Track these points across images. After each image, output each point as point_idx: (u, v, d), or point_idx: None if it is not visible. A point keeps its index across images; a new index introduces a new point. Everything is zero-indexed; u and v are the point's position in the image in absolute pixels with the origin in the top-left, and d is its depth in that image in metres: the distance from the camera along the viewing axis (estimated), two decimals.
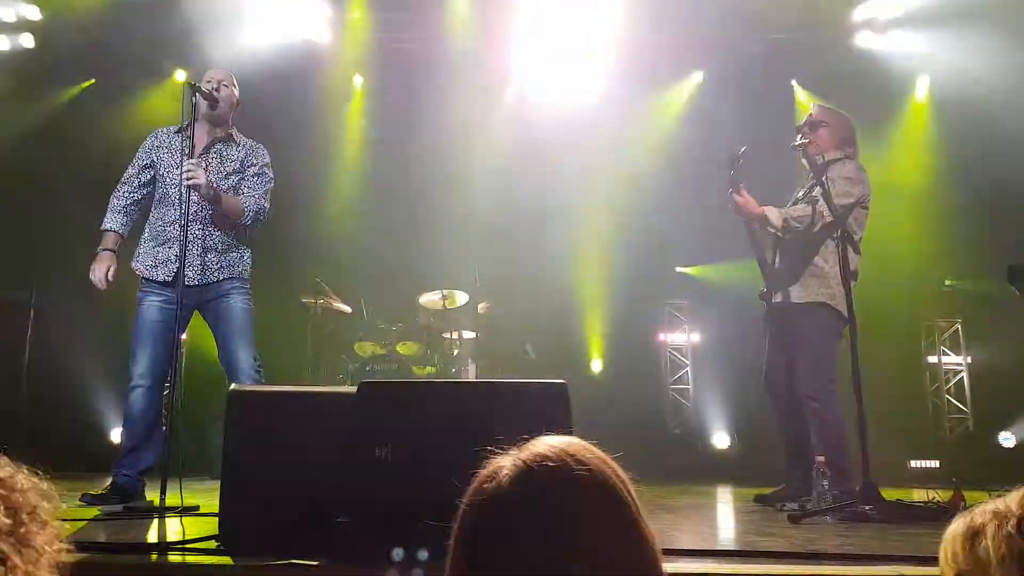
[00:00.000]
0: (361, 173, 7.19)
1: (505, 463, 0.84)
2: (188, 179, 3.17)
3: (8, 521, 0.78)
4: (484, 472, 0.86)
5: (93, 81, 7.03)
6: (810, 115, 3.85)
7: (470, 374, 6.29)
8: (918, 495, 3.78)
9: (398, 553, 1.61)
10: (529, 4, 6.54)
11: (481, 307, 6.33)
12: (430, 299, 6.28)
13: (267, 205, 3.49)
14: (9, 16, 6.73)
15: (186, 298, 3.19)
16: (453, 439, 1.79)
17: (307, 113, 6.74)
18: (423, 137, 6.81)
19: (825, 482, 3.13)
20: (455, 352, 6.20)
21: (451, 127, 6.69)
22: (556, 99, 6.82)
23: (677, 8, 6.17)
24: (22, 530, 0.78)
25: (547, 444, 0.85)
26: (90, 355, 6.01)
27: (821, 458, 3.21)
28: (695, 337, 7.23)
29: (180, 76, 6.85)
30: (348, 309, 6.45)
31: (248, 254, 3.52)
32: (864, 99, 6.08)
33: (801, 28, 6.31)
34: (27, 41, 6.87)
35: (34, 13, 6.79)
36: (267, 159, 3.56)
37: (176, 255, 3.23)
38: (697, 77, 7.13)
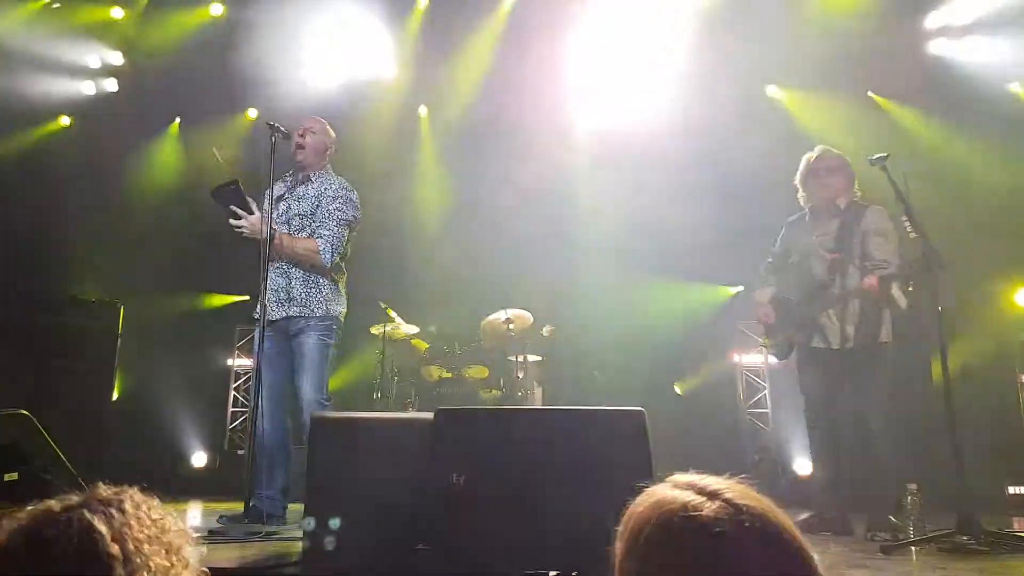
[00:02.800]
0: (426, 199, 7.36)
1: (694, 498, 0.78)
2: (238, 230, 3.42)
3: (165, 564, 0.83)
4: (663, 501, 0.79)
5: (179, 120, 7.47)
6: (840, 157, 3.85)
7: (536, 398, 6.30)
8: (1020, 525, 3.61)
9: None
10: (593, 22, 6.59)
11: (546, 329, 6.33)
12: (494, 321, 6.32)
13: (343, 235, 3.58)
14: (94, 62, 7.26)
15: (276, 333, 3.44)
16: (530, 466, 1.84)
17: (374, 143, 6.89)
18: (487, 162, 6.94)
19: (916, 511, 3.02)
20: (521, 375, 6.22)
21: (516, 150, 6.80)
22: (623, 117, 6.80)
23: (746, 21, 6.12)
24: (172, 573, 0.84)
25: (726, 483, 0.81)
26: (175, 382, 6.35)
27: (913, 486, 3.11)
28: (772, 358, 7.05)
29: (252, 114, 7.20)
30: (413, 331, 6.55)
31: (331, 290, 3.59)
32: (944, 106, 5.91)
33: (873, 37, 6.17)
34: (111, 85, 7.41)
35: (117, 58, 7.30)
36: (342, 192, 3.65)
37: (268, 293, 3.49)
38: (771, 90, 7.04)
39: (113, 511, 0.83)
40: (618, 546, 0.81)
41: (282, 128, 3.52)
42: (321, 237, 3.53)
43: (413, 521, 2.01)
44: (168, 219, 6.91)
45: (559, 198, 6.81)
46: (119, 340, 6.29)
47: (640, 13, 6.54)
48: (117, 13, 6.84)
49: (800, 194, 3.88)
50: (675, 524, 0.76)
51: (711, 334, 6.86)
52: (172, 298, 6.82)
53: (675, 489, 0.80)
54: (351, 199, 3.65)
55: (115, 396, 6.32)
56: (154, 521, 0.86)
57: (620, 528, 0.81)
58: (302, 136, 3.65)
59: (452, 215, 7.07)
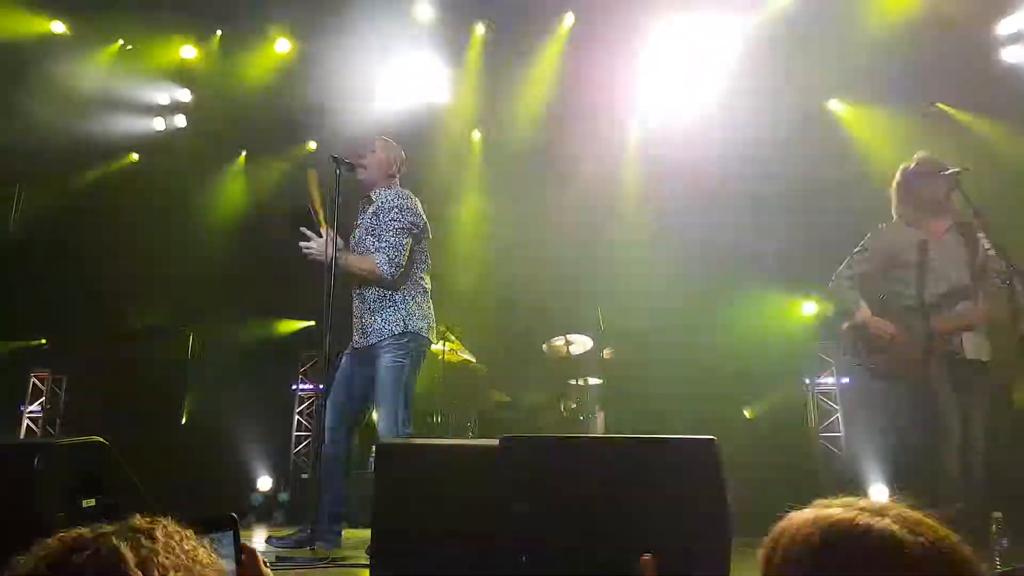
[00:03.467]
0: (481, 223, 7.43)
1: (860, 515, 0.77)
2: (305, 252, 3.47)
3: None
4: (824, 519, 0.78)
5: (244, 154, 7.78)
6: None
7: (599, 422, 6.24)
8: None
9: None
10: (651, 41, 6.58)
11: (606, 352, 6.29)
12: (554, 345, 6.31)
13: (402, 243, 3.54)
14: (164, 99, 7.62)
15: (354, 357, 3.51)
16: (598, 496, 1.82)
17: (430, 169, 7.00)
18: (542, 185, 6.98)
19: (1005, 540, 2.89)
20: (581, 400, 6.17)
21: (572, 172, 6.83)
22: (681, 136, 6.73)
23: (808, 36, 6.03)
24: None
25: (886, 503, 0.80)
26: (241, 407, 6.51)
27: (999, 514, 2.97)
28: (845, 380, 6.85)
29: (312, 146, 7.43)
30: (471, 357, 6.59)
31: (406, 308, 3.56)
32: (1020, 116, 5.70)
33: (941, 46, 5.99)
34: (180, 121, 7.75)
35: (185, 95, 7.64)
36: (397, 200, 3.63)
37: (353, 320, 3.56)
38: (834, 105, 6.91)
39: (142, 538, 0.84)
40: (771, 567, 0.79)
41: (346, 159, 3.59)
42: (379, 251, 3.53)
43: (479, 549, 2.01)
44: (235, 248, 7.15)
45: (617, 220, 6.79)
46: (188, 367, 6.53)
47: (698, 32, 6.50)
48: (188, 53, 7.14)
49: (895, 203, 3.71)
50: (844, 542, 0.74)
51: (780, 355, 6.69)
52: (238, 324, 7.03)
53: (834, 509, 0.79)
54: (406, 206, 3.61)
55: (183, 421, 6.54)
56: (185, 552, 0.86)
57: (767, 551, 0.80)
58: (363, 156, 3.69)
59: (509, 239, 7.12)
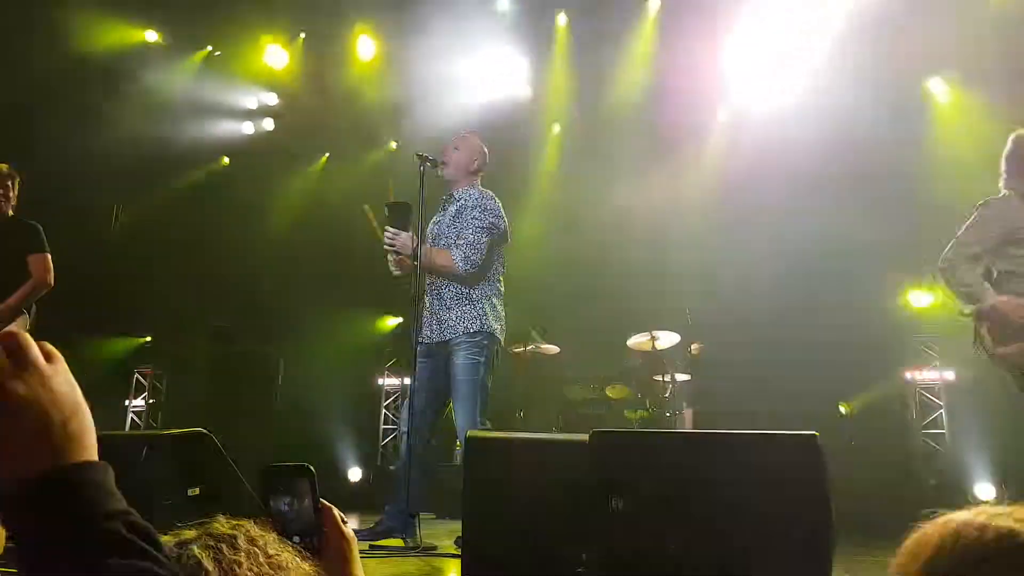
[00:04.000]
0: (564, 217, 7.40)
1: (1016, 524, 0.71)
2: (389, 246, 3.53)
3: None
4: (972, 525, 0.73)
5: (328, 155, 8.05)
6: None
7: (686, 419, 6.15)
8: None
9: None
10: (744, 15, 6.43)
11: (694, 347, 6.19)
12: (638, 341, 6.25)
13: (482, 242, 3.56)
14: (252, 103, 7.93)
15: (430, 356, 3.52)
16: (692, 493, 1.78)
17: (512, 162, 7.01)
18: (627, 177, 6.93)
19: None
20: (668, 395, 6.09)
21: (657, 163, 6.75)
22: (770, 120, 6.60)
23: (919, 9, 5.74)
24: None
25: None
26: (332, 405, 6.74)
27: None
28: (948, 375, 6.51)
29: (393, 145, 7.63)
30: (555, 351, 6.57)
31: (481, 307, 3.58)
32: None
33: None
34: (268, 125, 8.07)
35: (272, 99, 7.93)
36: (481, 200, 3.65)
37: (424, 315, 3.61)
38: (938, 84, 6.57)
39: (224, 547, 0.83)
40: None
41: (431, 157, 3.62)
42: (457, 246, 3.55)
43: (571, 543, 1.99)
44: (320, 247, 7.37)
45: (704, 210, 6.66)
46: (281, 362, 6.81)
47: (794, 12, 6.32)
48: (274, 56, 7.39)
49: (1005, 175, 3.42)
50: (1005, 554, 0.69)
51: (878, 348, 6.42)
52: (328, 320, 7.21)
53: (980, 516, 0.74)
54: (489, 206, 3.61)
55: (276, 413, 6.84)
56: (269, 557, 0.84)
57: (905, 561, 0.75)
58: (444, 155, 3.72)
59: (591, 233, 7.08)
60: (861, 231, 6.09)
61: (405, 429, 3.48)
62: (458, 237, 3.57)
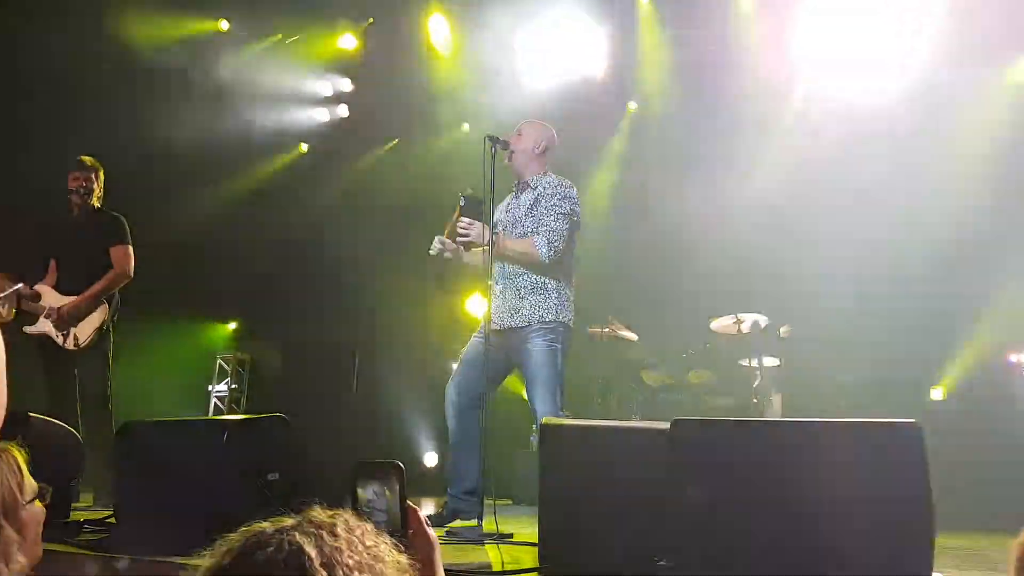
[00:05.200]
0: (643, 196, 7.32)
1: None
2: (463, 237, 3.52)
3: None
4: None
5: (397, 141, 8.14)
6: None
7: (775, 406, 5.98)
8: None
9: None
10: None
11: (783, 330, 6.00)
12: (723, 324, 6.13)
13: (562, 229, 3.58)
14: (327, 90, 8.09)
15: (497, 341, 3.50)
16: (780, 484, 1.72)
17: (588, 146, 7.05)
18: (705, 156, 6.79)
19: None
20: (755, 382, 5.94)
21: (738, 142, 6.62)
22: (855, 93, 6.36)
23: None
24: None
25: None
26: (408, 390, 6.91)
27: None
28: None
29: (466, 128, 7.62)
30: (635, 337, 6.51)
31: (557, 296, 3.60)
32: None
33: None
34: (343, 111, 8.23)
35: (347, 85, 8.10)
36: (559, 189, 3.66)
37: (496, 302, 3.63)
38: None
39: (325, 534, 0.83)
40: None
41: (500, 139, 3.60)
42: (538, 234, 3.56)
43: (650, 533, 1.97)
44: (395, 232, 7.49)
45: (788, 189, 6.44)
46: (358, 348, 6.98)
47: None
48: (346, 42, 7.53)
49: None
50: None
51: (977, 331, 6.07)
52: (404, 306, 7.34)
53: None
54: (568, 194, 3.65)
55: (355, 397, 7.04)
56: (367, 547, 0.85)
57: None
58: (508, 142, 3.71)
59: (671, 213, 6.94)
60: (962, 210, 5.79)
61: (450, 408, 3.57)
62: (538, 224, 3.60)
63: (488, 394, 3.55)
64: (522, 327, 3.56)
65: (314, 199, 7.78)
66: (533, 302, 3.57)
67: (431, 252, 3.67)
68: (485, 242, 3.47)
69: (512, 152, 3.71)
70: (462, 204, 3.53)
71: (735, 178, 6.66)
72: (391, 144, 8.23)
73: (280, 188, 7.80)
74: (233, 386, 8.02)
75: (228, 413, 7.55)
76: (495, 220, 3.67)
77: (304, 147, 8.24)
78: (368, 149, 8.22)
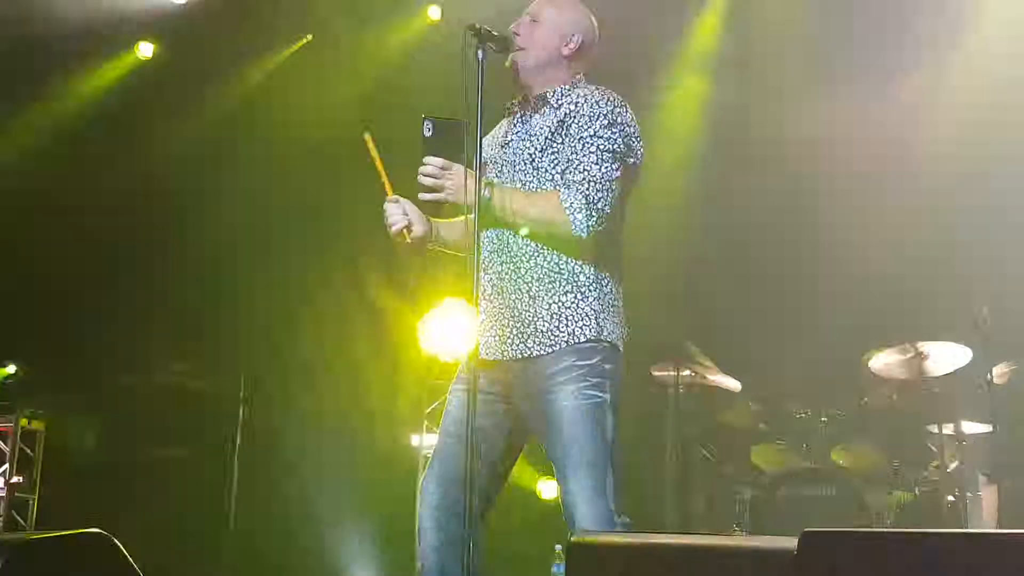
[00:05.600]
0: (739, 146, 7.55)
1: None
2: (433, 189, 3.47)
3: None
4: None
5: (311, 37, 8.38)
6: None
7: (983, 505, 6.06)
8: None
9: None
10: None
11: (998, 372, 6.01)
12: (889, 361, 6.27)
13: (611, 179, 3.53)
14: None
15: (494, 385, 3.51)
16: None
17: (642, 54, 7.31)
18: (848, 82, 7.08)
19: None
20: (951, 463, 6.00)
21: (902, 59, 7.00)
22: None
23: None
24: None
25: None
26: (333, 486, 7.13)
27: None
28: None
29: (435, 14, 7.93)
30: (735, 385, 6.71)
31: (597, 298, 3.57)
32: None
33: None
34: None
35: None
36: (604, 106, 3.59)
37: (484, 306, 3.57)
38: None
39: None
40: None
41: (494, 32, 3.55)
42: (568, 186, 3.50)
43: None
44: (309, 194, 7.75)
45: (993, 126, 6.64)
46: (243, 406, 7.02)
47: None
48: None
49: None
50: None
51: None
52: (327, 326, 7.59)
53: None
54: (620, 118, 3.60)
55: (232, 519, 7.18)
56: None
57: None
58: (517, 33, 3.70)
59: (788, 172, 7.13)
60: None
61: (427, 520, 3.54)
62: (567, 169, 3.55)
63: (486, 494, 3.51)
64: (538, 357, 3.50)
65: (164, 141, 7.96)
66: (554, 310, 3.51)
67: (392, 231, 3.63)
68: (469, 199, 3.41)
69: (519, 52, 3.69)
70: (428, 134, 3.52)
71: (899, 117, 6.91)
72: (301, 42, 8.42)
73: (101, 121, 7.98)
74: (15, 479, 7.92)
75: (3, 526, 7.56)
76: (485, 160, 3.62)
77: (146, 49, 8.38)
78: (260, 52, 8.45)
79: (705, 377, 6.49)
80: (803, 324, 6.91)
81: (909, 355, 6.09)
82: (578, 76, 3.78)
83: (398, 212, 3.56)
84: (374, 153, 3.65)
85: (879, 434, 6.39)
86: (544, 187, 3.57)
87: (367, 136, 3.69)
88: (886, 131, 6.97)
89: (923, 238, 6.72)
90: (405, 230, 3.55)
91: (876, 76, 7.03)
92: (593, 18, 3.85)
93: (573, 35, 3.75)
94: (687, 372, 6.43)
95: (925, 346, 6.06)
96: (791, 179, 7.21)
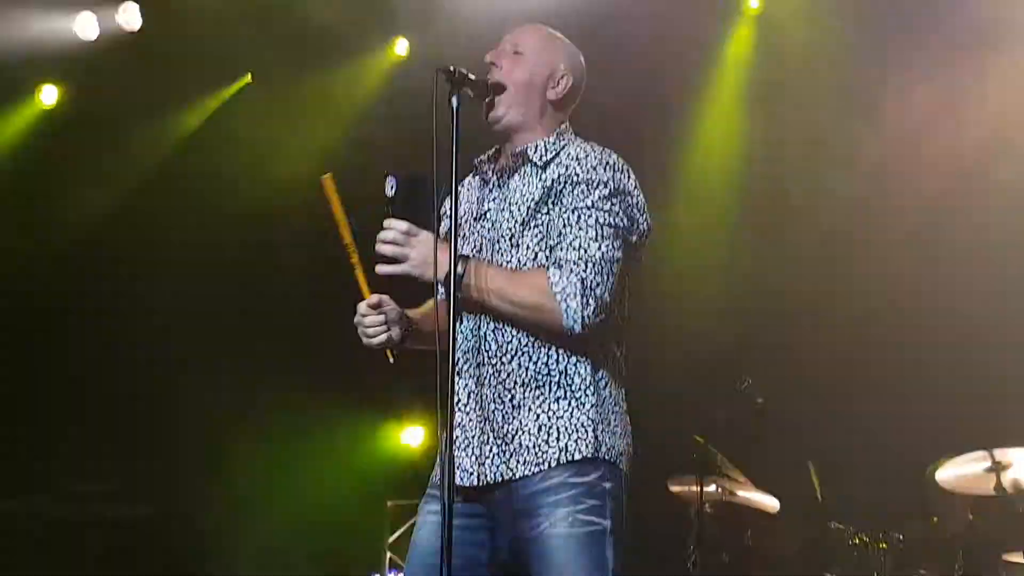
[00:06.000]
0: (769, 195, 7.82)
1: None
2: (397, 261, 3.32)
3: None
4: None
5: (250, 76, 8.64)
6: None
7: None
8: None
9: None
10: None
11: None
12: (962, 473, 6.16)
13: (611, 261, 3.39)
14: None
15: (468, 506, 3.38)
16: None
17: (650, 91, 7.49)
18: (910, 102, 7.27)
19: None
20: None
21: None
22: None
23: None
24: None
25: None
26: None
27: None
28: None
29: (402, 48, 8.17)
30: (771, 504, 6.68)
31: (595, 403, 3.45)
32: None
33: None
34: (131, 17, 8.42)
35: None
36: (601, 172, 3.48)
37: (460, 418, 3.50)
38: None
39: None
40: None
41: (469, 74, 3.36)
42: (559, 266, 3.35)
43: None
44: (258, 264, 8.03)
45: None
46: None
47: None
48: None
49: None
50: None
51: None
52: (263, 434, 7.93)
53: None
54: (622, 188, 3.47)
55: None
56: None
57: None
58: (497, 64, 3.58)
59: (829, 224, 7.44)
60: None
61: None
62: (558, 245, 3.41)
63: None
64: (524, 479, 3.35)
65: (70, 206, 8.20)
66: (545, 420, 3.41)
67: (372, 344, 3.52)
68: (441, 275, 3.27)
69: (496, 87, 3.55)
70: (390, 193, 3.38)
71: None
72: (240, 84, 8.67)
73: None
74: None
75: None
76: (459, 223, 3.62)
77: (49, 95, 8.49)
78: (189, 96, 8.62)
79: (735, 493, 6.50)
80: (856, 427, 7.04)
81: (986, 465, 5.99)
82: (563, 126, 3.74)
83: (378, 322, 3.48)
84: (334, 202, 3.53)
85: (949, 563, 6.18)
86: (527, 264, 3.54)
87: (326, 178, 3.57)
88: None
89: (999, 320, 6.76)
90: (388, 351, 3.55)
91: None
92: (582, 58, 3.81)
93: (563, 75, 3.71)
94: (713, 487, 6.44)
95: (1005, 454, 5.96)
96: (831, 241, 7.54)
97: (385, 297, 3.48)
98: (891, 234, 7.19)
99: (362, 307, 3.44)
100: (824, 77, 7.60)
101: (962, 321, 6.82)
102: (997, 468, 5.94)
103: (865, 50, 7.50)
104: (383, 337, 3.45)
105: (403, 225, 3.32)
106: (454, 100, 3.31)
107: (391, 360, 3.55)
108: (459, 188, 3.61)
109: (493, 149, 3.71)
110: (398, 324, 3.49)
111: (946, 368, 6.75)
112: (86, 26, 8.21)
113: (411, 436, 7.13)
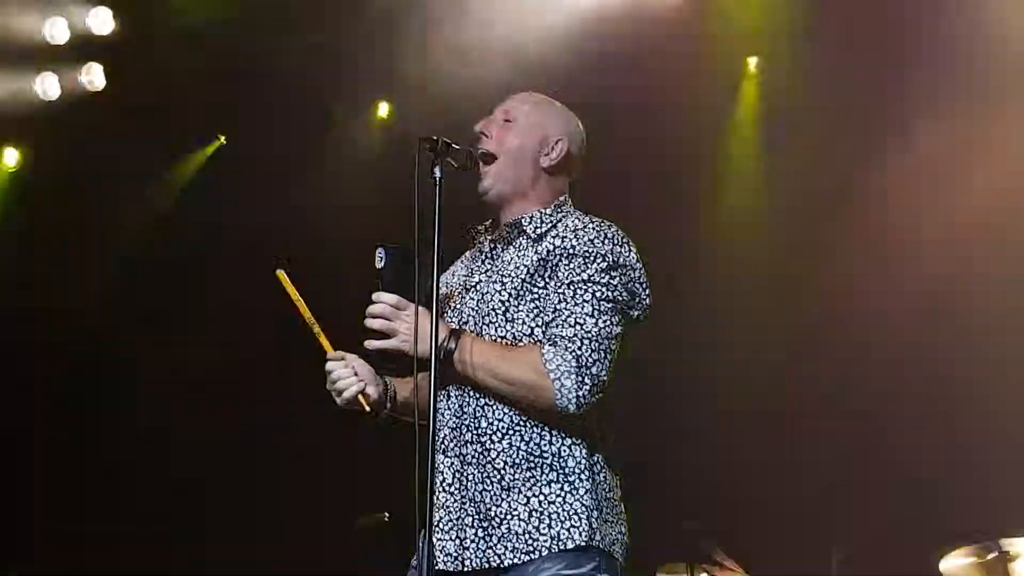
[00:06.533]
0: (776, 271, 7.75)
1: None
2: (385, 336, 3.38)
3: None
4: None
5: (223, 140, 8.78)
6: None
7: None
8: None
9: None
10: None
11: None
12: (967, 564, 6.17)
13: (609, 338, 3.37)
14: (60, 31, 8.19)
15: None
16: None
17: (647, 156, 7.47)
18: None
19: None
20: None
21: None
22: None
23: None
24: None
25: None
26: None
27: None
28: None
29: (383, 110, 8.42)
30: None
31: (589, 488, 3.43)
32: None
33: None
34: (96, 77, 8.54)
35: (106, 22, 8.20)
36: (599, 245, 3.49)
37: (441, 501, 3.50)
38: None
39: None
40: None
41: (453, 143, 3.35)
42: (554, 343, 3.35)
43: None
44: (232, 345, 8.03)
45: None
46: None
47: None
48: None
49: None
50: None
51: None
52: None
53: None
54: (622, 261, 3.49)
55: None
56: None
57: None
58: (487, 134, 3.61)
59: (830, 303, 7.38)
60: None
61: None
62: (553, 321, 3.43)
63: None
64: (511, 568, 3.33)
65: (36, 276, 8.27)
66: (536, 505, 3.39)
67: (342, 398, 3.48)
68: (427, 350, 3.27)
69: (485, 157, 3.57)
70: (380, 265, 3.43)
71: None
72: (213, 147, 8.82)
73: None
74: None
75: None
76: (444, 305, 3.67)
77: (9, 158, 8.60)
78: (160, 159, 8.72)
79: None
80: (859, 518, 6.94)
81: (991, 555, 6.04)
82: (562, 197, 3.78)
83: (347, 373, 3.49)
84: (293, 294, 3.59)
85: None
86: (519, 341, 3.55)
87: (281, 273, 3.62)
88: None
89: (1007, 402, 6.79)
90: (361, 396, 3.47)
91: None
92: (580, 125, 3.87)
93: (556, 141, 3.73)
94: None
95: (1012, 544, 6.02)
96: (829, 313, 7.50)
97: (351, 355, 3.50)
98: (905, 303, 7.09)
99: (329, 362, 3.48)
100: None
101: (971, 418, 6.92)
102: (1003, 559, 6.07)
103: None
104: (354, 389, 3.44)
105: (392, 298, 3.36)
106: (437, 170, 3.37)
107: (367, 410, 3.49)
108: (457, 260, 3.80)
109: (489, 220, 3.73)
110: (374, 384, 3.50)
111: (950, 458, 6.83)
112: (47, 86, 8.29)
113: None
